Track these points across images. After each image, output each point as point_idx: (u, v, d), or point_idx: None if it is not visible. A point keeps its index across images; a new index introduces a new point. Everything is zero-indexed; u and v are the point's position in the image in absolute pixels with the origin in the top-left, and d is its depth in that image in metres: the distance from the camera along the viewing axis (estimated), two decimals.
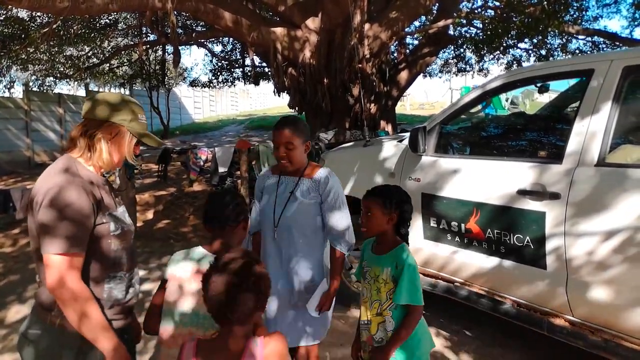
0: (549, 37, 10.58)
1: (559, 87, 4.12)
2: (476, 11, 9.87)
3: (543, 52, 11.29)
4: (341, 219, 2.29)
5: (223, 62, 14.88)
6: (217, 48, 14.72)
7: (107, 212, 1.55)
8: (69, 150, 1.59)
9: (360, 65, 6.66)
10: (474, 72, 14.53)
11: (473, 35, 11.09)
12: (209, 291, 1.37)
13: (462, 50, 12.90)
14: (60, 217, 1.41)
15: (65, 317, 1.46)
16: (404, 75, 8.60)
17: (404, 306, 1.96)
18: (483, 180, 2.93)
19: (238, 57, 14.21)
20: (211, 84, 16.27)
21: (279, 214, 2.27)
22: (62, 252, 1.41)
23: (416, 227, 3.32)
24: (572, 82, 3.65)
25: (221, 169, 6.08)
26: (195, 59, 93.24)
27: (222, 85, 16.19)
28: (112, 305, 1.57)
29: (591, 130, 2.50)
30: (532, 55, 12.06)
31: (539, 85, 3.25)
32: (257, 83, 12.35)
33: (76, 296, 1.42)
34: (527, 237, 2.66)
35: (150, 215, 7.16)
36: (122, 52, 14.24)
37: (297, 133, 2.24)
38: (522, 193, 2.68)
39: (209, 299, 1.38)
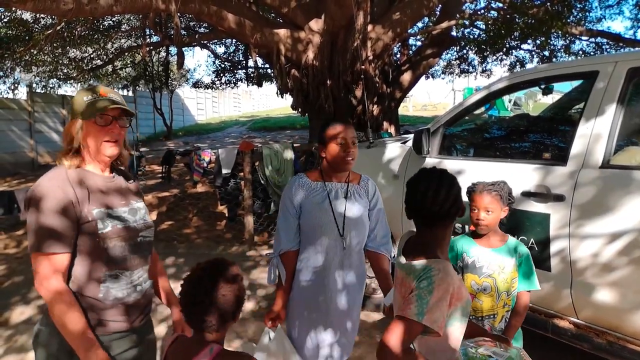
0: (552, 39, 10.58)
1: (562, 88, 4.11)
2: (479, 12, 9.86)
3: (546, 53, 11.29)
4: (386, 226, 2.25)
5: (226, 63, 14.90)
6: (220, 49, 14.75)
7: (97, 210, 1.53)
8: None
9: (363, 67, 6.66)
10: (476, 73, 14.52)
11: (476, 36, 11.09)
12: (186, 294, 1.38)
13: (465, 51, 12.90)
14: (37, 218, 1.44)
15: None
16: (406, 76, 8.60)
17: (519, 292, 2.18)
18: None
19: (241, 58, 14.24)
20: (214, 86, 16.29)
21: (341, 221, 2.10)
22: (39, 251, 1.44)
23: None
24: (576, 83, 3.64)
25: (224, 171, 6.09)
26: (198, 60, 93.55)
27: (224, 86, 16.20)
28: (113, 305, 1.55)
29: (596, 132, 2.49)
30: (535, 56, 12.05)
31: (543, 86, 3.24)
32: (259, 84, 12.36)
33: (53, 297, 1.43)
34: (532, 239, 2.66)
35: (153, 216, 7.18)
36: (126, 54, 14.31)
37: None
38: (527, 195, 2.68)
39: (185, 300, 1.39)
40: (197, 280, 1.37)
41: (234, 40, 12.69)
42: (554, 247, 2.57)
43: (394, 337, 1.34)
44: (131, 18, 12.63)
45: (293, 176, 2.54)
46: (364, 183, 2.24)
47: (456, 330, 1.45)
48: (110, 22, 11.73)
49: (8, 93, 15.30)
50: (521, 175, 2.76)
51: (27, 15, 9.85)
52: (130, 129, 1.69)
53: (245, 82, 15.03)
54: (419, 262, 1.46)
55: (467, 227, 2.96)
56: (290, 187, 2.20)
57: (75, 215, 1.48)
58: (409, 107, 26.85)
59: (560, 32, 9.00)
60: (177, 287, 4.64)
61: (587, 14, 10.27)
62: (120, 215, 1.59)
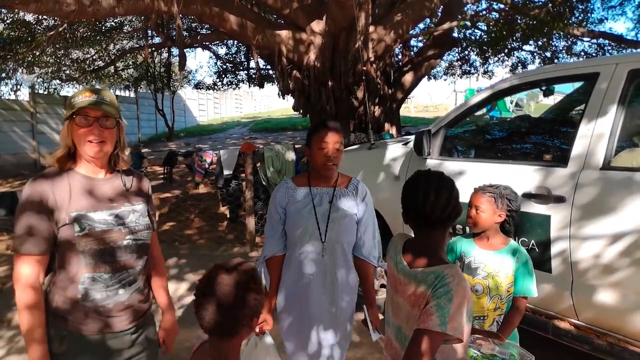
0: (553, 40, 10.57)
1: (564, 90, 4.11)
2: (481, 13, 9.86)
3: (548, 54, 11.28)
4: (374, 231, 2.18)
5: (228, 64, 14.93)
6: (222, 50, 14.79)
7: (76, 212, 1.52)
8: None
9: (364, 68, 6.66)
10: (478, 74, 14.53)
11: (478, 37, 11.10)
12: (202, 301, 1.29)
13: (466, 52, 12.91)
14: (18, 220, 1.50)
15: (50, 313, 1.54)
16: (408, 77, 8.61)
17: (515, 297, 2.15)
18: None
19: (243, 59, 14.28)
20: (216, 87, 16.33)
21: (324, 227, 2.08)
22: (18, 252, 1.50)
23: None
24: (577, 85, 3.64)
25: (226, 172, 6.11)
26: (200, 61, 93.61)
27: (226, 87, 16.24)
28: (95, 306, 1.55)
29: (596, 134, 2.50)
30: (536, 57, 12.05)
31: (544, 88, 3.25)
32: (261, 86, 12.37)
33: (18, 294, 1.49)
34: (532, 241, 2.66)
35: (155, 217, 7.18)
36: (128, 55, 14.34)
37: (342, 134, 2.12)
38: (527, 196, 2.68)
39: (200, 308, 1.29)
40: (203, 286, 1.31)
41: (235, 41, 12.71)
42: (554, 249, 2.57)
43: (420, 350, 1.33)
44: (133, 19, 12.66)
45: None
46: (352, 186, 2.17)
47: (466, 331, 1.44)
48: (112, 23, 11.75)
49: (10, 94, 15.34)
50: (522, 177, 2.76)
51: (29, 17, 9.88)
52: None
53: (247, 83, 15.07)
54: (431, 270, 1.44)
55: (467, 228, 2.97)
56: (275, 192, 2.21)
57: (52, 217, 1.51)
58: (410, 108, 26.84)
59: (561, 33, 9.00)
60: (179, 287, 4.63)
61: (589, 15, 10.26)
62: (103, 218, 1.57)
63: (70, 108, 1.54)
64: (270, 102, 43.17)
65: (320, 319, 2.11)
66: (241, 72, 15.09)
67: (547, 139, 3.59)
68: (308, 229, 2.08)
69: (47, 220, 1.50)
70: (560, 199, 2.54)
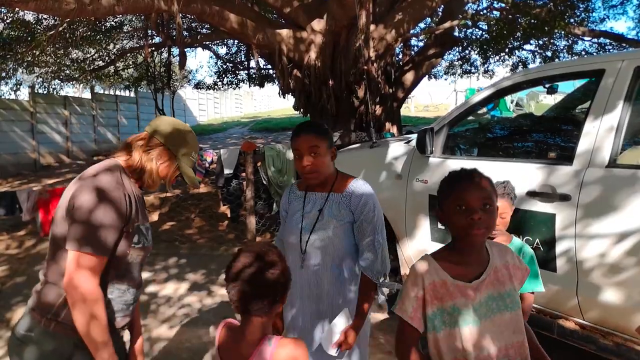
0: (554, 39, 10.55)
1: (565, 88, 4.09)
2: (482, 13, 9.84)
3: (549, 53, 11.26)
4: (375, 241, 1.91)
5: (228, 64, 14.90)
6: (222, 50, 14.75)
7: (136, 224, 1.54)
8: (118, 154, 1.61)
9: (365, 67, 6.64)
10: (479, 73, 14.49)
11: (478, 36, 11.07)
12: (232, 280, 1.38)
13: (467, 52, 12.88)
14: (96, 217, 1.41)
15: (59, 322, 1.46)
16: (409, 76, 8.58)
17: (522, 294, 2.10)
18: None
19: (243, 59, 14.23)
20: (216, 86, 16.29)
21: (306, 237, 1.93)
22: (88, 251, 1.40)
23: (423, 229, 3.29)
24: (581, 82, 3.62)
25: (227, 171, 6.07)
26: (200, 61, 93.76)
27: (226, 87, 16.20)
28: (109, 314, 1.53)
29: (602, 131, 2.47)
30: (537, 57, 12.02)
31: (548, 85, 3.22)
32: (261, 85, 12.33)
33: (86, 299, 1.39)
34: (537, 240, 2.64)
35: (155, 217, 7.16)
36: (128, 55, 14.28)
37: (322, 136, 1.89)
38: (532, 195, 2.65)
39: (231, 288, 1.38)
40: (242, 266, 1.38)
41: (236, 40, 12.68)
42: (559, 248, 2.54)
43: (396, 335, 1.46)
44: (133, 19, 12.64)
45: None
46: (349, 190, 1.93)
47: (443, 334, 1.40)
48: (112, 23, 11.72)
49: (10, 94, 15.32)
50: (526, 175, 2.73)
51: (29, 16, 9.86)
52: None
53: (247, 82, 15.02)
54: None
55: None
56: (284, 194, 2.16)
57: (124, 225, 1.48)
58: (410, 108, 26.82)
59: (562, 32, 8.97)
60: (179, 287, 4.59)
61: (590, 14, 10.24)
62: (144, 232, 1.59)
63: (194, 157, 1.72)
64: (270, 102, 43.16)
65: (303, 329, 2.01)
66: (241, 72, 15.03)
67: (551, 137, 3.57)
68: (290, 237, 1.98)
69: (122, 223, 1.47)
70: (565, 197, 2.52)
